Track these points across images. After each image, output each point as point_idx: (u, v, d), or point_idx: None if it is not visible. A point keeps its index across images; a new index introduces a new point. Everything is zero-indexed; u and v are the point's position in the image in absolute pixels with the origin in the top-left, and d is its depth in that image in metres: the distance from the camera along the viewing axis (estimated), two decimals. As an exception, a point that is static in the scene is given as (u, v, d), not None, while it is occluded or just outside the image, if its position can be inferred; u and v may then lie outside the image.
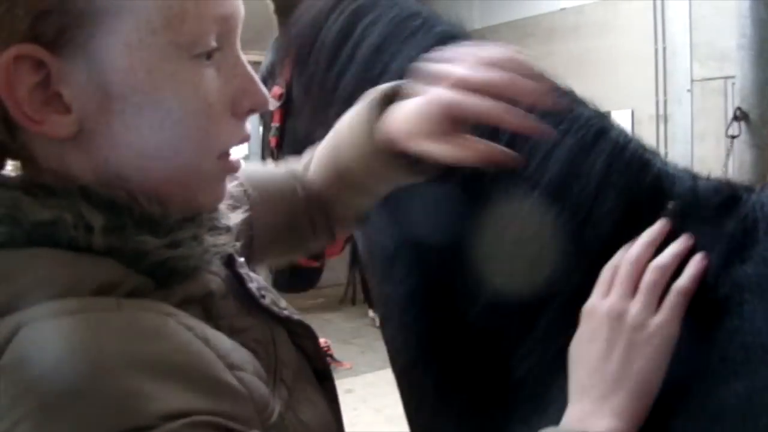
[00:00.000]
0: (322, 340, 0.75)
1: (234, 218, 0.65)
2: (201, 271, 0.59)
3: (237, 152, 0.62)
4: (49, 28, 0.49)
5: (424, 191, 0.92)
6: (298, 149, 1.00)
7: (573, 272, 0.77)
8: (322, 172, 0.88)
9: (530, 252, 0.82)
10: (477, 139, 0.72)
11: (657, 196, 0.75)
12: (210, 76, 0.56)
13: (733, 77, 3.63)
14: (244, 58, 0.59)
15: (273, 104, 1.16)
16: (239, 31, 0.59)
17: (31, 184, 0.53)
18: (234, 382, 0.51)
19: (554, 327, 0.77)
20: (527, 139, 0.79)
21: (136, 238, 0.53)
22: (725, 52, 4.41)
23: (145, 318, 0.50)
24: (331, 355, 4.60)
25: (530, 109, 0.70)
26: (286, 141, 1.22)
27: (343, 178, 0.86)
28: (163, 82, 0.53)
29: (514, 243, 0.80)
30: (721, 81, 4.79)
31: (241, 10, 0.59)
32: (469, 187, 0.86)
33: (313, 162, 0.91)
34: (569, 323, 0.72)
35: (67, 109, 0.52)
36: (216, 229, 0.61)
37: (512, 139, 0.79)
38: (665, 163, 0.79)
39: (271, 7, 1.22)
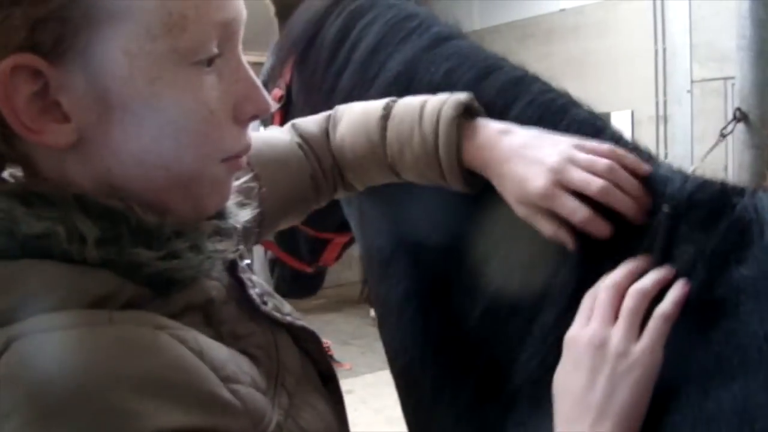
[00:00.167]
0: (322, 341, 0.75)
1: (243, 216, 0.65)
2: (201, 279, 0.59)
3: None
4: (46, 37, 0.49)
5: (422, 192, 0.92)
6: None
7: (571, 274, 0.77)
8: (357, 148, 0.90)
9: (528, 253, 0.82)
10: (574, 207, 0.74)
11: (652, 198, 0.75)
12: (211, 82, 0.55)
13: (732, 78, 3.63)
14: (246, 62, 0.59)
15: (273, 106, 1.16)
16: (241, 35, 0.58)
17: (28, 193, 0.52)
18: (228, 396, 0.51)
19: (553, 329, 0.77)
20: None
21: (131, 250, 0.52)
22: (725, 53, 4.40)
23: (136, 333, 0.49)
24: (331, 356, 4.60)
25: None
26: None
27: (382, 163, 0.88)
28: (163, 89, 0.52)
29: (512, 244, 0.81)
30: (721, 82, 4.79)
31: (243, 13, 0.58)
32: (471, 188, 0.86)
33: (343, 133, 0.92)
34: (568, 325, 0.71)
35: (65, 118, 0.51)
36: (219, 233, 0.60)
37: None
38: (660, 165, 0.79)
39: (272, 9, 1.22)
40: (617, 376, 0.64)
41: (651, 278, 0.69)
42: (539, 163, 0.75)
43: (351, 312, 6.13)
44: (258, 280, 0.70)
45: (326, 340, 4.50)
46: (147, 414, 0.44)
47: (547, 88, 0.87)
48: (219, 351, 0.54)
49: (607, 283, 0.70)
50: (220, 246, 0.59)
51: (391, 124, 0.87)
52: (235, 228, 0.63)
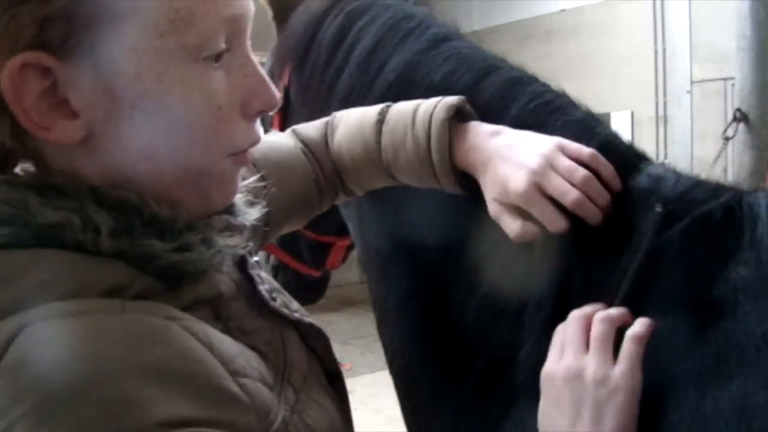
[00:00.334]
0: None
1: (252, 214, 0.65)
2: (211, 273, 0.59)
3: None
4: (54, 35, 0.49)
5: (420, 193, 0.93)
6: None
7: (568, 273, 0.78)
8: (355, 154, 0.91)
9: (525, 253, 0.82)
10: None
11: (645, 197, 0.75)
12: (219, 78, 0.55)
13: (732, 78, 3.63)
14: (254, 58, 0.59)
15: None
16: (249, 31, 0.58)
17: (42, 184, 0.53)
18: (236, 389, 0.51)
19: (551, 328, 0.77)
20: None
21: (143, 242, 0.53)
22: (725, 54, 4.40)
23: (148, 322, 0.49)
24: (331, 356, 4.60)
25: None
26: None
27: (379, 168, 0.89)
28: (171, 85, 0.52)
29: (509, 244, 0.81)
30: (721, 82, 4.79)
31: (251, 9, 0.58)
32: (465, 189, 0.86)
33: (340, 140, 0.93)
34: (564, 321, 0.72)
35: (74, 115, 0.52)
36: (229, 229, 0.61)
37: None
38: (653, 164, 0.79)
39: (270, 13, 1.22)
40: (600, 403, 0.63)
41: (616, 308, 0.69)
42: (521, 165, 0.77)
43: (351, 312, 6.14)
44: (267, 276, 0.71)
45: (326, 341, 4.51)
46: (155, 403, 0.45)
47: (545, 89, 0.88)
48: (228, 345, 0.54)
49: (575, 314, 0.70)
50: (230, 241, 0.59)
51: (386, 129, 0.88)
52: (245, 225, 0.63)
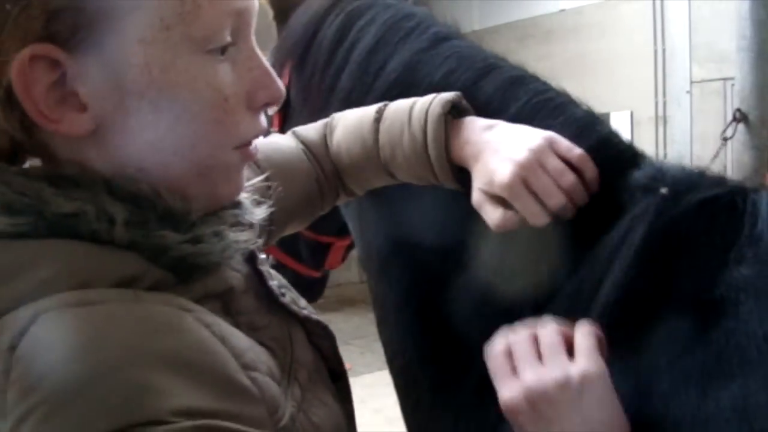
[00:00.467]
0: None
1: (258, 213, 0.65)
2: (222, 267, 0.59)
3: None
4: (63, 27, 0.49)
5: (420, 192, 0.93)
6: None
7: (567, 270, 0.78)
8: (353, 154, 0.92)
9: (524, 252, 0.82)
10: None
11: (648, 186, 0.75)
12: (225, 70, 0.56)
13: (732, 79, 3.63)
14: (260, 51, 0.59)
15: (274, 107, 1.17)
16: (254, 24, 0.59)
17: (55, 175, 0.53)
18: (247, 382, 0.51)
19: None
20: None
21: (157, 233, 0.53)
22: (724, 54, 4.40)
23: (162, 312, 0.50)
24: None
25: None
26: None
27: (378, 166, 0.90)
28: (177, 77, 0.53)
29: (509, 243, 0.81)
30: (721, 82, 4.80)
31: (256, 4, 0.58)
32: (462, 185, 0.86)
33: (339, 140, 0.94)
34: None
35: (83, 107, 0.52)
36: (239, 225, 0.61)
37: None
38: (653, 160, 0.79)
39: (270, 13, 1.22)
40: (576, 406, 0.62)
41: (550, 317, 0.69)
42: (510, 158, 0.78)
43: (350, 312, 6.14)
44: (276, 273, 0.71)
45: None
46: (167, 392, 0.45)
47: (545, 87, 0.88)
48: (239, 339, 0.54)
49: (513, 337, 0.68)
50: (241, 236, 0.60)
51: (383, 127, 0.89)
52: (252, 224, 0.64)
